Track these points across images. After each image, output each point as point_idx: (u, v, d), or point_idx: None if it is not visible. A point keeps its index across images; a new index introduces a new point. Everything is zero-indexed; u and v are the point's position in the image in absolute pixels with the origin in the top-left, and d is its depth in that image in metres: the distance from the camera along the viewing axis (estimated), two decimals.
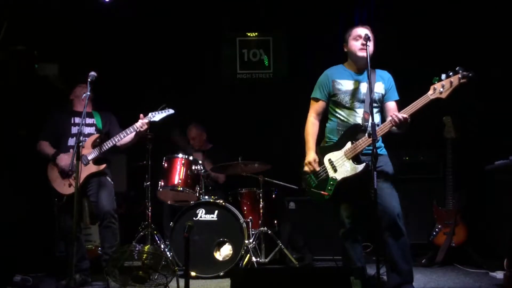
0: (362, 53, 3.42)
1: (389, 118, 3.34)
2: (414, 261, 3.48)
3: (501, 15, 5.08)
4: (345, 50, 3.59)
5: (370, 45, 3.41)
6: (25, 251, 4.63)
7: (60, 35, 5.48)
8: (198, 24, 6.08)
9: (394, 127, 3.32)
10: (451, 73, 3.23)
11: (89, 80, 3.91)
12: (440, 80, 3.26)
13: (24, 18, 5.01)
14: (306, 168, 3.52)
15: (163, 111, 4.29)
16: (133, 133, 4.19)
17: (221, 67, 6.39)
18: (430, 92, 3.26)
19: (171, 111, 4.33)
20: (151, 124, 4.24)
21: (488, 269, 4.32)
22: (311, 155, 3.53)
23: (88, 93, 3.86)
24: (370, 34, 3.46)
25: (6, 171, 4.60)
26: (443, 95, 3.23)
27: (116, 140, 4.15)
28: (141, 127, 4.15)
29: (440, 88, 3.23)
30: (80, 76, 4.22)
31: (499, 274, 4.02)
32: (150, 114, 4.25)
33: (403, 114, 3.27)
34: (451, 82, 3.22)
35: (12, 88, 4.95)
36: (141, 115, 4.20)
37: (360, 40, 3.45)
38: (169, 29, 6.05)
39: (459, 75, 3.21)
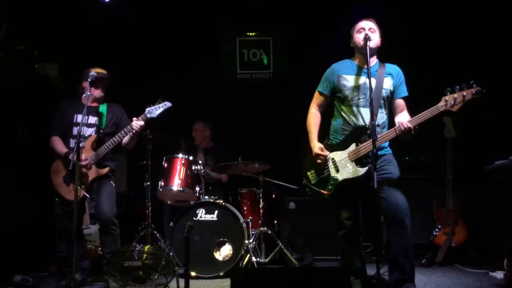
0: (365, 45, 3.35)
1: (396, 125, 3.30)
2: (414, 261, 3.46)
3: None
4: (351, 45, 3.56)
5: (375, 38, 3.40)
6: (25, 251, 4.63)
7: (60, 35, 5.47)
8: (198, 24, 6.08)
9: (398, 135, 3.26)
10: (464, 86, 3.14)
11: (89, 80, 3.92)
12: (452, 92, 3.16)
13: (24, 18, 5.00)
14: (318, 161, 3.47)
15: (160, 105, 4.10)
16: (130, 134, 4.08)
17: (221, 67, 6.38)
18: (441, 103, 3.18)
19: (169, 104, 4.12)
20: (149, 120, 4.09)
21: (488, 269, 4.33)
22: (316, 145, 3.49)
23: (88, 93, 3.85)
24: (374, 26, 3.46)
25: (6, 171, 4.60)
26: (454, 108, 3.15)
27: (116, 141, 4.06)
28: (137, 128, 4.03)
29: (452, 101, 3.14)
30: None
31: (499, 274, 4.03)
32: (147, 110, 4.09)
33: (408, 124, 3.21)
34: (463, 96, 3.12)
35: (12, 88, 4.94)
36: (134, 118, 4.08)
37: (363, 32, 3.41)
38: (169, 29, 6.04)
39: (473, 90, 3.11)
